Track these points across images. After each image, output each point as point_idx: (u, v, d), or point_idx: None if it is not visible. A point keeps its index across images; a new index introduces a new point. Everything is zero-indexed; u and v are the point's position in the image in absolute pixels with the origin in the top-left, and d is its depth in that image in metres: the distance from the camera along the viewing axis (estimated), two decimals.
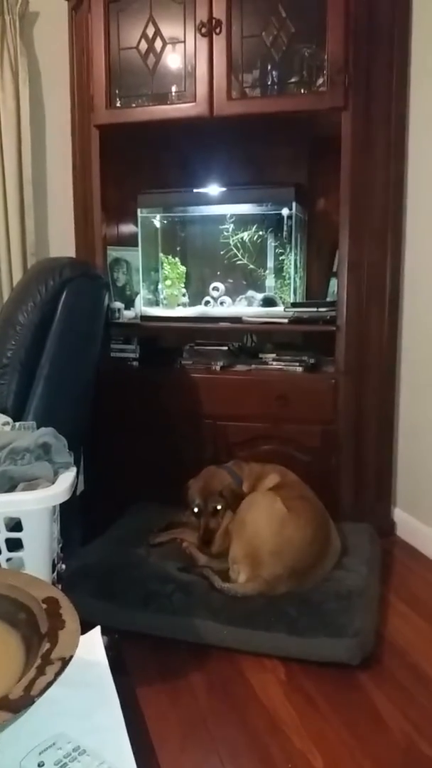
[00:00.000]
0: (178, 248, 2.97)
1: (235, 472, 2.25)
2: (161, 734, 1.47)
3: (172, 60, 2.49)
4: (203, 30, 2.36)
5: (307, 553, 1.95)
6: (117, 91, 2.55)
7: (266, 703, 1.59)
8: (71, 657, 0.67)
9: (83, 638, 0.91)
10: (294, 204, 2.64)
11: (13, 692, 0.62)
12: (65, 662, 0.66)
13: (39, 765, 0.68)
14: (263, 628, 1.77)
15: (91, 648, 0.93)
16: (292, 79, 2.43)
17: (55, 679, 0.64)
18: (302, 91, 2.41)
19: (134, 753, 0.74)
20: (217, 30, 2.34)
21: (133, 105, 2.56)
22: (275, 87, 2.45)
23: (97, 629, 0.96)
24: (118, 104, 2.56)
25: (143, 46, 2.50)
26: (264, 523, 1.98)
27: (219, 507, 2.15)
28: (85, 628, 0.94)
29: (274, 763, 1.40)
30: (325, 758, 1.40)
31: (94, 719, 0.79)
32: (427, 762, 1.40)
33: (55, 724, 0.75)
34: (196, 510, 2.18)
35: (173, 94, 2.51)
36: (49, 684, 0.63)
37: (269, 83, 2.45)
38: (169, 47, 2.48)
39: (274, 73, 2.44)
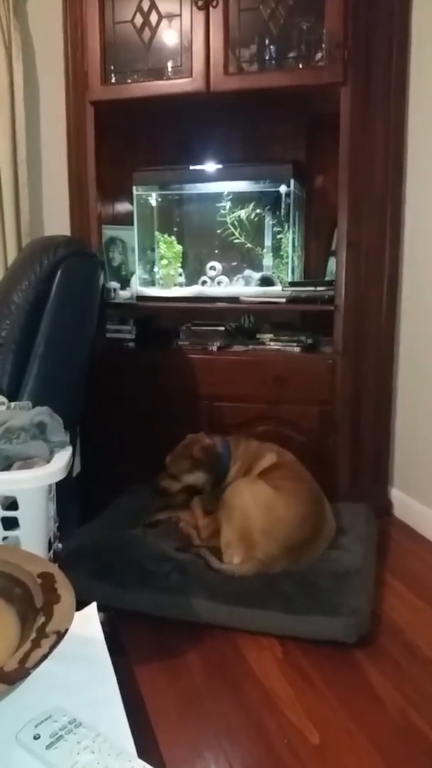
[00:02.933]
0: (174, 227, 2.95)
1: (227, 447, 2.25)
2: (158, 711, 1.49)
3: (168, 34, 2.45)
4: (199, 3, 2.31)
5: (299, 531, 1.96)
6: (112, 67, 2.51)
7: (263, 680, 1.61)
8: (66, 630, 0.68)
9: (79, 615, 0.91)
10: (292, 181, 2.61)
11: (8, 664, 0.62)
12: (60, 635, 0.66)
13: (35, 737, 0.69)
14: (260, 607, 1.78)
15: (87, 624, 0.93)
16: (291, 54, 2.39)
17: (50, 651, 0.64)
18: (300, 66, 2.37)
19: (130, 726, 0.75)
20: (214, 3, 2.30)
21: (129, 81, 2.51)
22: (273, 62, 2.41)
23: (93, 605, 0.96)
24: (113, 80, 2.51)
25: (138, 20, 2.45)
26: (252, 506, 1.99)
27: (177, 474, 2.22)
28: (82, 607, 0.94)
29: (271, 738, 1.41)
30: (321, 734, 1.42)
31: (90, 693, 0.79)
32: (421, 737, 1.41)
33: (52, 698, 0.76)
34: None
35: (169, 69, 2.47)
36: (44, 656, 0.63)
37: (267, 58, 2.41)
38: (164, 21, 2.44)
39: (271, 47, 2.40)
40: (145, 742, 0.75)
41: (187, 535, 2.13)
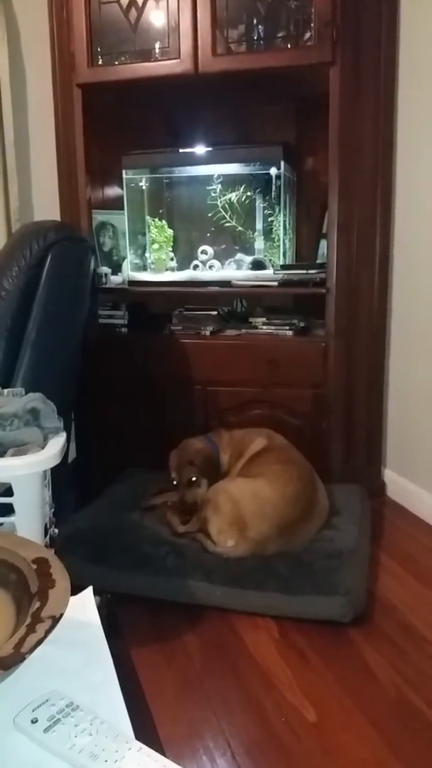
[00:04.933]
0: (165, 211, 2.92)
1: (212, 440, 2.26)
2: (156, 692, 1.50)
3: (155, 15, 2.41)
4: None
5: (290, 510, 1.97)
6: (98, 49, 2.47)
7: (259, 660, 1.62)
8: (62, 615, 0.68)
9: (76, 599, 0.92)
10: (282, 163, 2.58)
11: (3, 649, 0.62)
12: (55, 620, 0.66)
13: (32, 721, 0.69)
14: (256, 588, 1.79)
15: (83, 608, 0.93)
16: (279, 34, 2.37)
17: (45, 636, 0.64)
18: (289, 46, 2.34)
19: (128, 709, 0.75)
20: None
21: (116, 63, 2.48)
22: (261, 42, 2.39)
23: (89, 590, 0.96)
24: (100, 62, 2.48)
25: (124, 0, 2.42)
26: (237, 494, 2.00)
27: (194, 478, 2.16)
28: (79, 592, 0.95)
29: (268, 716, 1.42)
30: (317, 711, 1.43)
31: (87, 677, 0.79)
32: (417, 713, 1.43)
33: (49, 682, 0.76)
34: (174, 483, 2.19)
35: (157, 50, 2.44)
36: (40, 641, 0.63)
37: (255, 38, 2.39)
38: (151, 2, 2.39)
39: (260, 27, 2.37)
40: (142, 723, 0.76)
41: (168, 521, 2.14)
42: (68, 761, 0.65)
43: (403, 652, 1.64)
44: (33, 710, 0.71)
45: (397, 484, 2.57)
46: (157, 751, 0.66)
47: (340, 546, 1.96)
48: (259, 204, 2.75)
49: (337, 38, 2.22)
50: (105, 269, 2.69)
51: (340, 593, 1.74)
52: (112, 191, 2.83)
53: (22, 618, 0.69)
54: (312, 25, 2.24)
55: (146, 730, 1.33)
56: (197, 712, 1.45)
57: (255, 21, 2.37)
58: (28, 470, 1.29)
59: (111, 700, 0.76)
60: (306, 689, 1.51)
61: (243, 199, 2.76)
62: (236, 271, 2.74)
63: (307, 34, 2.28)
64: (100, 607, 0.94)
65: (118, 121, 2.75)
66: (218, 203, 2.78)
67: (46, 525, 1.38)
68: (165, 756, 0.65)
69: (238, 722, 1.41)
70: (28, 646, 0.62)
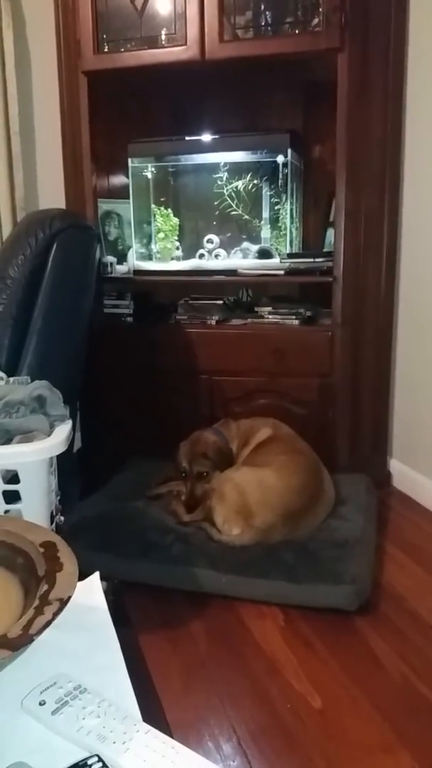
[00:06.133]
0: (170, 199, 2.91)
1: (221, 433, 2.25)
2: (163, 678, 1.50)
3: (161, 1, 2.39)
4: None
5: (295, 499, 1.97)
6: (104, 36, 2.45)
7: (265, 647, 1.62)
8: (69, 597, 0.68)
9: (83, 584, 0.92)
10: (289, 151, 2.57)
11: (11, 631, 0.62)
12: (63, 603, 0.66)
13: (40, 703, 0.69)
14: (261, 576, 1.80)
15: (90, 593, 0.93)
16: (287, 20, 2.34)
17: (53, 618, 0.64)
18: (296, 32, 2.32)
19: (135, 693, 0.75)
20: None
21: (122, 50, 2.46)
22: (269, 28, 2.36)
23: (96, 575, 0.96)
24: (105, 49, 2.46)
25: None
26: (242, 483, 2.00)
27: (205, 472, 2.14)
28: (85, 578, 0.95)
29: (274, 703, 1.43)
30: (323, 698, 1.44)
31: (94, 660, 0.79)
32: (422, 699, 1.43)
33: (57, 665, 0.76)
34: (183, 474, 2.18)
35: (163, 37, 2.42)
36: (48, 623, 0.63)
37: (263, 24, 2.36)
38: None
39: (267, 13, 2.35)
40: (149, 707, 0.75)
41: (174, 510, 2.14)
42: (76, 743, 0.65)
43: (408, 640, 1.64)
44: (41, 692, 0.71)
45: (403, 473, 2.56)
46: (165, 734, 0.66)
47: (346, 535, 1.96)
48: (266, 192, 2.74)
49: (346, 24, 2.19)
50: (110, 258, 2.69)
51: (346, 581, 1.74)
52: (117, 180, 2.82)
53: (29, 601, 0.69)
54: (320, 10, 2.22)
55: (154, 715, 1.33)
56: (203, 698, 1.45)
57: (262, 7, 2.34)
58: (35, 457, 1.29)
59: (118, 683, 0.76)
60: (311, 676, 1.51)
61: (249, 188, 2.74)
62: (242, 260, 2.73)
63: (315, 20, 2.26)
64: (107, 593, 0.95)
65: (124, 109, 2.74)
66: (224, 191, 2.77)
67: (52, 512, 1.39)
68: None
69: (244, 708, 1.42)
70: (36, 628, 0.62)
